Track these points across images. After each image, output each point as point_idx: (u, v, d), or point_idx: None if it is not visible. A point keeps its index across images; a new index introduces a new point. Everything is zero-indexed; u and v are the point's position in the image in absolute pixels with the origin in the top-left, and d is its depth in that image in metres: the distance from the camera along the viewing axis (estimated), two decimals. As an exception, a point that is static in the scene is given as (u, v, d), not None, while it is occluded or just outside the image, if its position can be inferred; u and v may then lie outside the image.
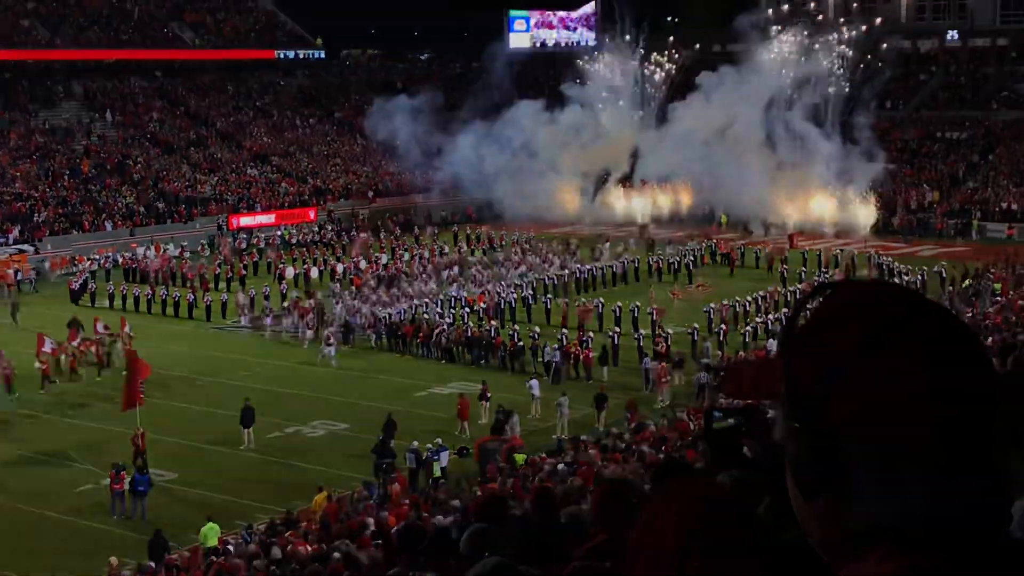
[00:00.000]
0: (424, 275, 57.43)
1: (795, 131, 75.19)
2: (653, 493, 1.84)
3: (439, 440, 32.16)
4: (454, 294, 52.87)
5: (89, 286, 57.67)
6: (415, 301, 51.03)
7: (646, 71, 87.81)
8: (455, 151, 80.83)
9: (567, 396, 36.29)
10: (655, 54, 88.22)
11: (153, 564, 24.04)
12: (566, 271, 58.10)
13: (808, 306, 1.66)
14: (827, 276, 55.49)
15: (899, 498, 1.52)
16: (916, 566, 1.48)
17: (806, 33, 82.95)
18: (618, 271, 59.33)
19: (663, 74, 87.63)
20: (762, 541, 1.80)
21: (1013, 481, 1.57)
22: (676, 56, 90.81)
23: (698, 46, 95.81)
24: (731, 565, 1.74)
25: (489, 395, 37.17)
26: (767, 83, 77.26)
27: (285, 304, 51.19)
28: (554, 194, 78.12)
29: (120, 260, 63.73)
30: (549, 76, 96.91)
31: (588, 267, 58.54)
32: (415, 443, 31.81)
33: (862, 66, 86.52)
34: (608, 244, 65.66)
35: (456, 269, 58.83)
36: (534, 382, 37.97)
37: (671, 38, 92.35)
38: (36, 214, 69.29)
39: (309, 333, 47.00)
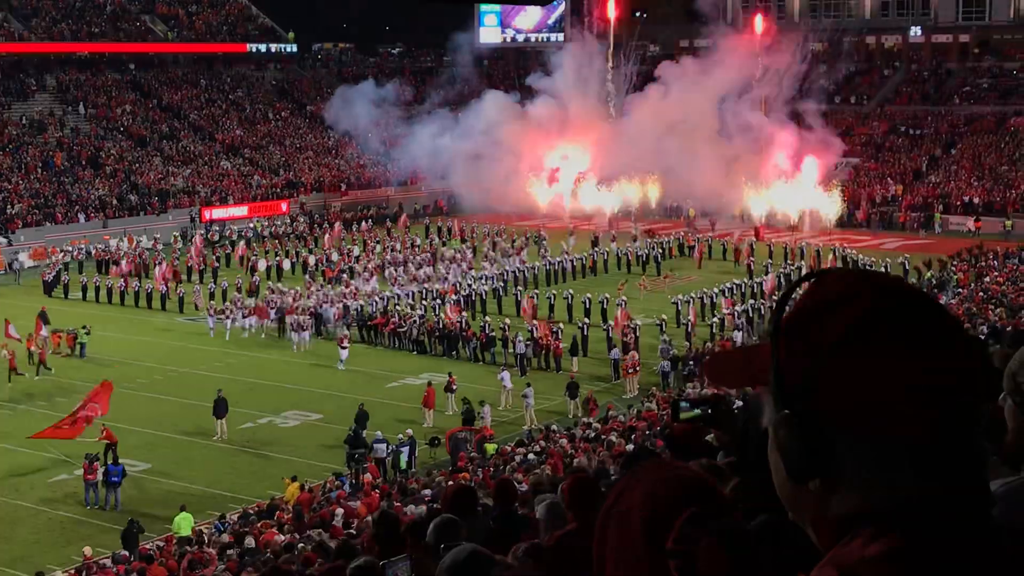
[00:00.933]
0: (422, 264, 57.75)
1: (748, 122, 75.25)
2: (623, 474, 1.84)
3: (410, 431, 32.18)
4: (427, 286, 52.85)
5: (62, 278, 57.30)
6: (385, 293, 50.97)
7: (613, 64, 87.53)
8: (415, 141, 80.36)
9: (532, 387, 36.33)
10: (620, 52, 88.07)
11: (127, 553, 23.97)
12: (544, 261, 58.14)
13: (795, 294, 1.69)
14: (793, 268, 55.77)
15: (887, 483, 1.54)
16: (902, 548, 1.50)
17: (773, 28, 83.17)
18: (568, 267, 58.97)
19: (629, 69, 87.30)
20: (729, 522, 1.82)
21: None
22: (645, 50, 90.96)
23: (656, 47, 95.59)
24: (697, 545, 1.75)
25: (455, 387, 37.17)
26: (727, 75, 77.22)
27: (249, 302, 50.55)
28: (523, 187, 78.09)
29: (93, 252, 63.37)
30: (519, 70, 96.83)
31: (558, 259, 58.52)
32: (378, 433, 31.74)
33: (821, 61, 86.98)
34: (573, 237, 65.65)
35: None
36: (505, 374, 37.98)
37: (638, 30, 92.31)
38: (9, 206, 68.79)
39: (273, 324, 47.08)
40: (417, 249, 63.11)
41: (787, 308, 1.66)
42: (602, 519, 1.82)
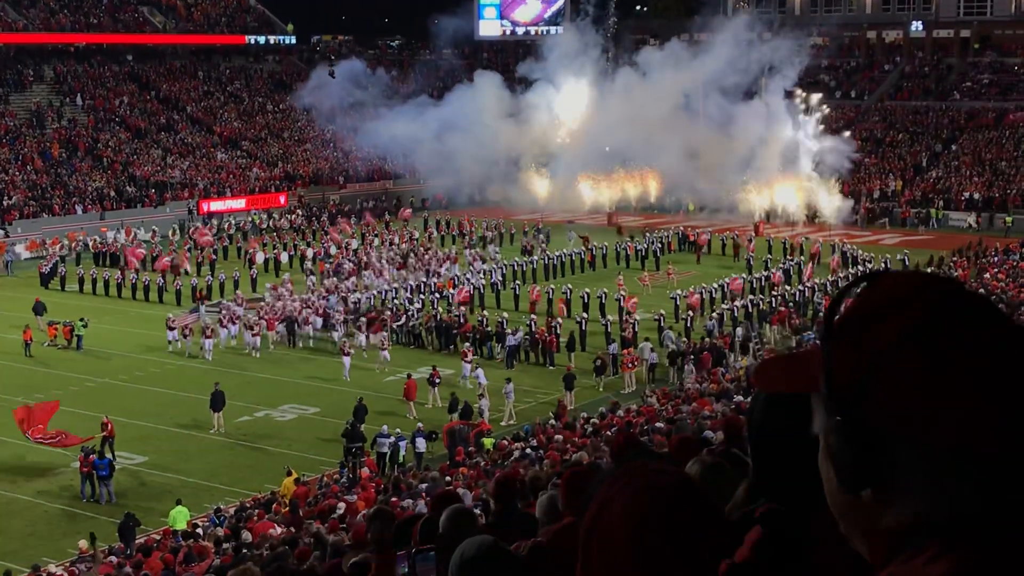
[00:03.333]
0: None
1: (726, 110, 75.24)
2: (607, 477, 1.80)
3: (420, 426, 32.25)
4: (424, 279, 52.84)
5: (59, 270, 57.26)
6: (384, 286, 50.95)
7: (609, 57, 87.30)
8: (384, 127, 79.95)
9: (512, 383, 36.21)
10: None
11: (123, 546, 23.96)
12: (534, 257, 58.02)
13: (848, 296, 1.63)
14: (793, 264, 55.75)
15: (948, 495, 1.47)
16: (971, 566, 1.43)
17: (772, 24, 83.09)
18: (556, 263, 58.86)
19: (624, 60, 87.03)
20: (718, 533, 1.76)
21: None
22: (644, 43, 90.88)
23: (656, 41, 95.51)
24: (683, 559, 1.70)
25: (438, 380, 37.12)
26: (714, 64, 77.14)
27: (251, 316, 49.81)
28: (523, 182, 78.04)
29: (90, 244, 63.32)
30: (515, 61, 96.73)
31: (557, 254, 58.46)
32: (384, 427, 31.82)
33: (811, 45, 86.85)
34: (573, 233, 65.64)
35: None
36: (479, 371, 37.72)
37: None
38: (6, 197, 68.70)
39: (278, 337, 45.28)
40: (416, 243, 63.11)
41: (839, 311, 1.61)
42: (585, 533, 1.76)
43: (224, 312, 45.39)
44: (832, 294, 47.38)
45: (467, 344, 41.69)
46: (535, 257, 57.91)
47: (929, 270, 51.78)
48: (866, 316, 1.53)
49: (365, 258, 57.56)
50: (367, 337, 42.75)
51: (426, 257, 58.14)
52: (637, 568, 1.69)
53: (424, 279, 52.65)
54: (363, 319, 44.20)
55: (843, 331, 1.54)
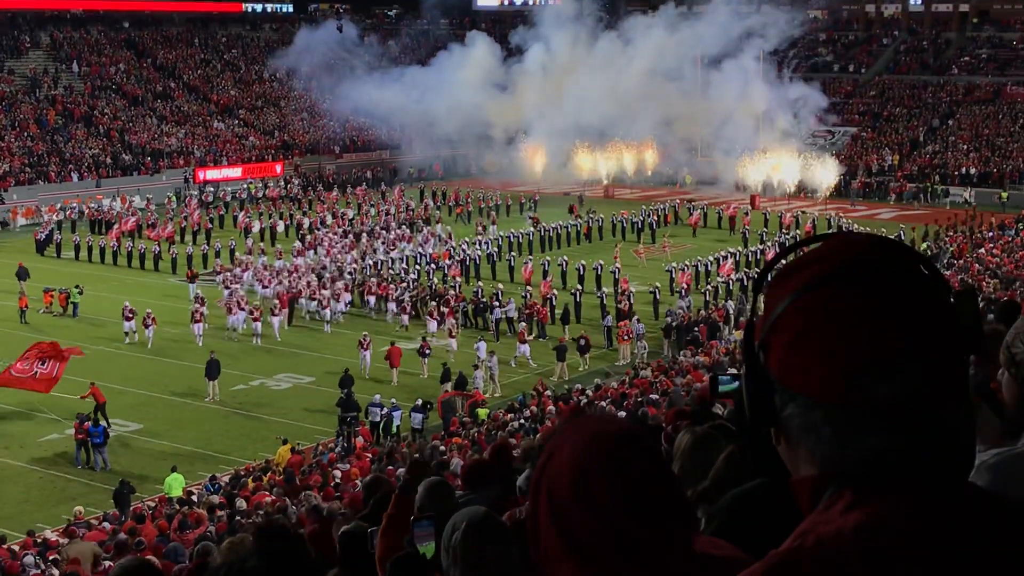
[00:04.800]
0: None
1: (705, 77, 75.12)
2: (553, 432, 1.83)
3: (393, 400, 32.29)
4: (421, 251, 52.80)
5: (55, 237, 57.18)
6: (379, 256, 50.92)
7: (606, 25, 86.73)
8: (363, 92, 79.65)
9: (495, 355, 36.14)
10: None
11: (118, 513, 24.04)
12: (531, 230, 57.91)
13: (788, 255, 1.68)
14: (788, 237, 55.76)
15: (822, 444, 1.54)
16: (879, 516, 1.48)
17: None
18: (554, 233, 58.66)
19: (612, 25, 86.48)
20: (662, 481, 1.79)
21: (977, 432, 1.58)
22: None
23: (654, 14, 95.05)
24: (625, 505, 1.73)
25: (428, 351, 37.15)
26: (708, 31, 77.04)
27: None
28: (524, 155, 77.82)
29: (86, 211, 63.22)
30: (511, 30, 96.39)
31: (553, 225, 58.36)
32: (377, 396, 31.88)
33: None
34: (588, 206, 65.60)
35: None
36: (481, 343, 37.60)
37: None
38: (1, 164, 68.53)
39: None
40: (407, 214, 63.11)
41: (775, 268, 1.66)
42: (534, 481, 1.80)
43: (232, 295, 44.06)
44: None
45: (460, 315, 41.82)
46: (484, 238, 55.85)
47: (924, 245, 51.93)
48: (787, 272, 1.58)
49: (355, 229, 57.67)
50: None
51: (385, 234, 56.68)
52: (580, 511, 1.71)
53: (382, 257, 51.76)
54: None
55: (770, 283, 1.60)
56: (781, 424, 1.58)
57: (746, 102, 74.13)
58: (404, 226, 58.53)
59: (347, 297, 44.10)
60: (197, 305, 41.11)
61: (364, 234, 56.31)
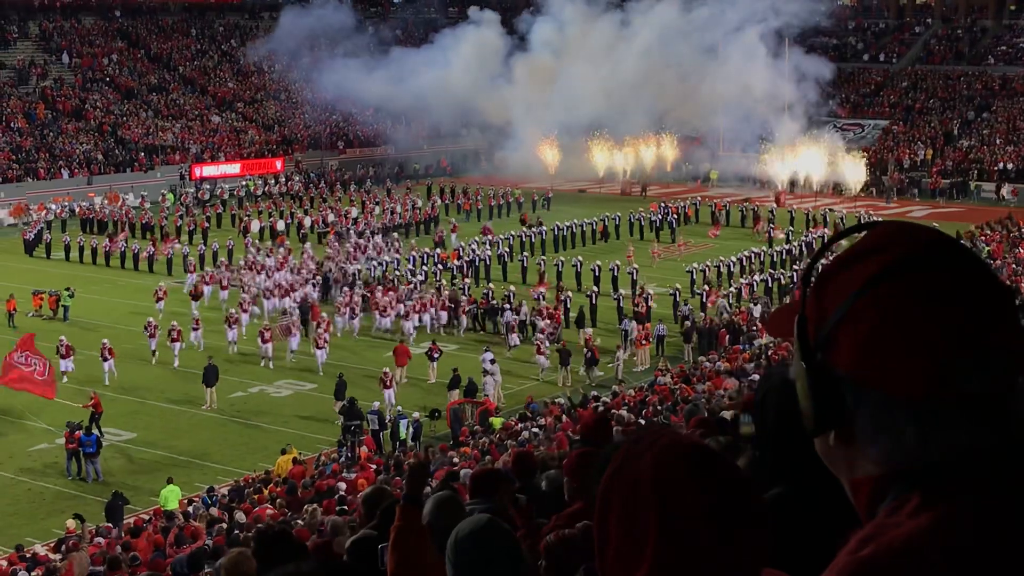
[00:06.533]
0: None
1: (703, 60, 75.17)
2: (626, 441, 1.82)
3: (399, 408, 32.25)
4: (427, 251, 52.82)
5: (44, 237, 57.30)
6: (384, 256, 50.93)
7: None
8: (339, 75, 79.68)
9: (496, 364, 35.83)
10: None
11: (111, 526, 24.08)
12: (543, 228, 57.80)
13: (836, 244, 1.69)
14: (816, 237, 55.67)
15: (898, 444, 1.54)
16: (955, 517, 1.48)
17: None
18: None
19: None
20: (749, 498, 1.80)
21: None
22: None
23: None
24: (706, 518, 1.73)
25: (436, 355, 37.17)
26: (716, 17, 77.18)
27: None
28: (533, 150, 77.74)
29: (77, 210, 63.36)
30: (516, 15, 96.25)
31: (567, 224, 58.31)
32: (376, 404, 31.86)
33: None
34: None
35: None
36: (487, 354, 37.49)
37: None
38: (-12, 160, 68.82)
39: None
40: (414, 212, 63.11)
41: (825, 258, 1.67)
42: (605, 487, 1.79)
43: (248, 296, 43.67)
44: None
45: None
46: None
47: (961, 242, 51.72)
48: (844, 262, 1.58)
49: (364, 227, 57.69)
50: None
51: (357, 243, 54.58)
52: (661, 518, 1.72)
53: (387, 258, 51.21)
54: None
55: (820, 277, 1.60)
56: (849, 424, 1.57)
57: (760, 89, 73.97)
58: (379, 234, 57.37)
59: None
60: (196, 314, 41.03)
61: (345, 235, 56.19)
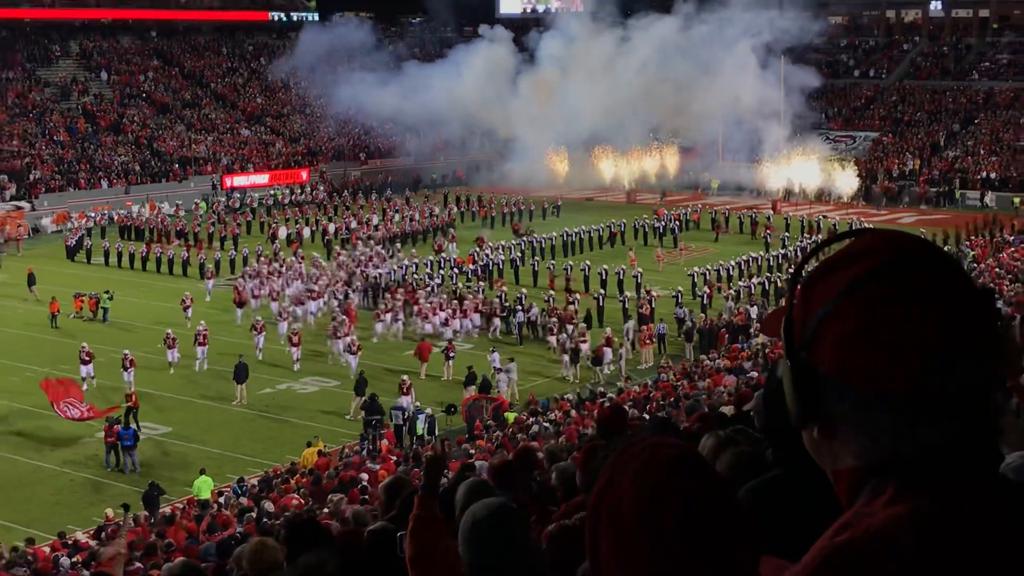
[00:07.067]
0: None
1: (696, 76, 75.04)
2: (614, 451, 1.77)
3: (417, 403, 32.28)
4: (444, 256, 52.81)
5: (85, 243, 57.46)
6: (405, 261, 50.85)
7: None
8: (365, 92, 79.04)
9: (515, 362, 35.87)
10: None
11: (147, 515, 24.13)
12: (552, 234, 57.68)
13: (824, 249, 1.69)
14: (810, 242, 55.57)
15: (875, 439, 1.55)
16: (927, 507, 1.49)
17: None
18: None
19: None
20: (726, 508, 1.76)
21: (1003, 433, 1.59)
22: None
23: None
24: (690, 533, 1.69)
25: (452, 354, 37.16)
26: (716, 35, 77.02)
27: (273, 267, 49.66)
28: (542, 160, 77.63)
29: (115, 217, 63.53)
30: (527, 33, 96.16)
31: (576, 230, 58.21)
32: (400, 400, 31.89)
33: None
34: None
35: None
36: (495, 354, 36.97)
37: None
38: (32, 171, 68.95)
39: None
40: (432, 219, 63.11)
41: (812, 262, 1.67)
42: (594, 503, 1.76)
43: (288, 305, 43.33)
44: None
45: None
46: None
47: (946, 249, 51.66)
48: (827, 268, 1.58)
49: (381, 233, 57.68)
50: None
51: (362, 253, 52.84)
52: (644, 541, 1.67)
53: (407, 262, 50.67)
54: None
55: (808, 279, 1.61)
56: (829, 419, 1.58)
57: (751, 100, 73.78)
58: (387, 243, 56.71)
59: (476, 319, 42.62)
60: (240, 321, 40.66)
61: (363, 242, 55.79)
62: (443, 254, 53.23)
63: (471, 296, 44.11)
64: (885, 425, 1.54)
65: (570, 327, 39.55)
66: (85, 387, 34.79)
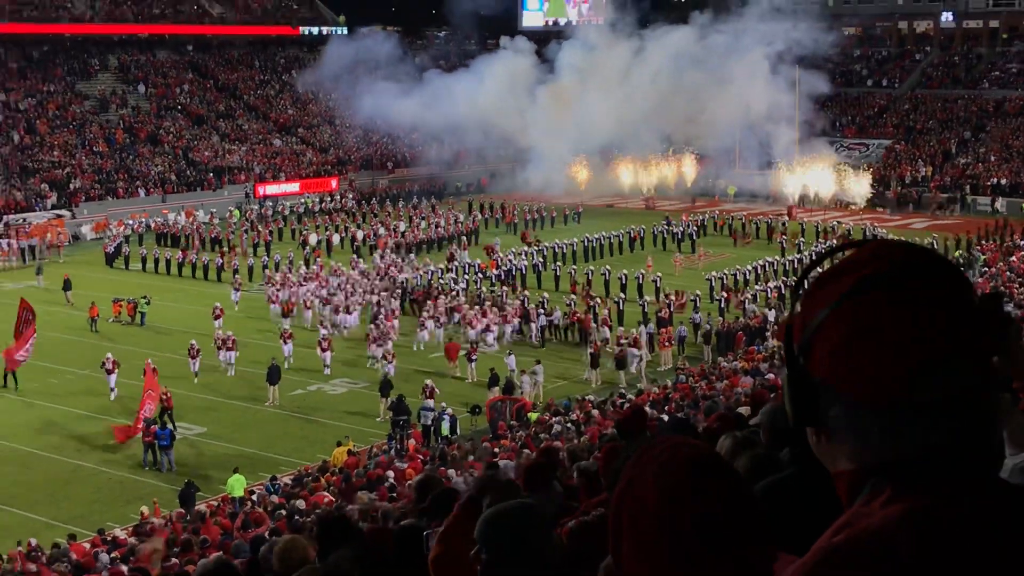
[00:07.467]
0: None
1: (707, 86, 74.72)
2: (635, 451, 1.76)
3: (443, 404, 32.27)
4: (467, 260, 52.77)
5: (123, 250, 57.73)
6: (430, 267, 50.80)
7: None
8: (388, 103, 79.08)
9: (541, 365, 35.79)
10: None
11: (183, 512, 24.23)
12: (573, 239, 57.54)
13: (830, 258, 1.69)
14: (825, 246, 55.30)
15: (867, 442, 1.55)
16: (923, 508, 1.49)
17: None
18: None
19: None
20: (746, 508, 1.76)
21: (1010, 434, 1.58)
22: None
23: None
24: (710, 533, 1.69)
25: (475, 356, 37.17)
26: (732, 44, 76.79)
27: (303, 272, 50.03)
28: (564, 168, 77.48)
29: (152, 225, 63.84)
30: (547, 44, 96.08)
31: (596, 236, 58.16)
32: (430, 402, 31.93)
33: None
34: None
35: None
36: (511, 357, 36.84)
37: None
38: (72, 181, 69.35)
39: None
40: (457, 225, 63.13)
41: (817, 270, 1.67)
42: (616, 503, 1.76)
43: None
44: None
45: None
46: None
47: (957, 253, 51.39)
48: (827, 277, 1.58)
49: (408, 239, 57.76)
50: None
51: (390, 260, 52.72)
52: (664, 542, 1.68)
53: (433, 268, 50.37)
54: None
55: (811, 287, 1.60)
56: (824, 424, 1.58)
57: (763, 108, 73.57)
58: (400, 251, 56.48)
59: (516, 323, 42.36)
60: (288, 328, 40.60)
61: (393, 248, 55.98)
62: (455, 262, 52.91)
63: (512, 301, 44.14)
64: (873, 430, 1.54)
65: (606, 331, 39.62)
66: (113, 396, 34.86)
